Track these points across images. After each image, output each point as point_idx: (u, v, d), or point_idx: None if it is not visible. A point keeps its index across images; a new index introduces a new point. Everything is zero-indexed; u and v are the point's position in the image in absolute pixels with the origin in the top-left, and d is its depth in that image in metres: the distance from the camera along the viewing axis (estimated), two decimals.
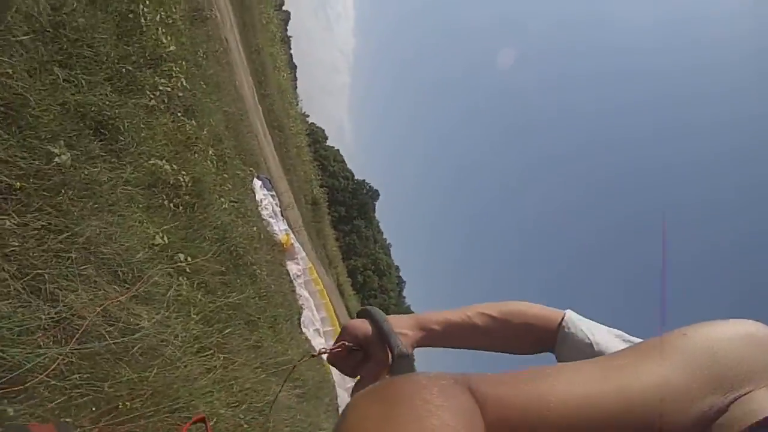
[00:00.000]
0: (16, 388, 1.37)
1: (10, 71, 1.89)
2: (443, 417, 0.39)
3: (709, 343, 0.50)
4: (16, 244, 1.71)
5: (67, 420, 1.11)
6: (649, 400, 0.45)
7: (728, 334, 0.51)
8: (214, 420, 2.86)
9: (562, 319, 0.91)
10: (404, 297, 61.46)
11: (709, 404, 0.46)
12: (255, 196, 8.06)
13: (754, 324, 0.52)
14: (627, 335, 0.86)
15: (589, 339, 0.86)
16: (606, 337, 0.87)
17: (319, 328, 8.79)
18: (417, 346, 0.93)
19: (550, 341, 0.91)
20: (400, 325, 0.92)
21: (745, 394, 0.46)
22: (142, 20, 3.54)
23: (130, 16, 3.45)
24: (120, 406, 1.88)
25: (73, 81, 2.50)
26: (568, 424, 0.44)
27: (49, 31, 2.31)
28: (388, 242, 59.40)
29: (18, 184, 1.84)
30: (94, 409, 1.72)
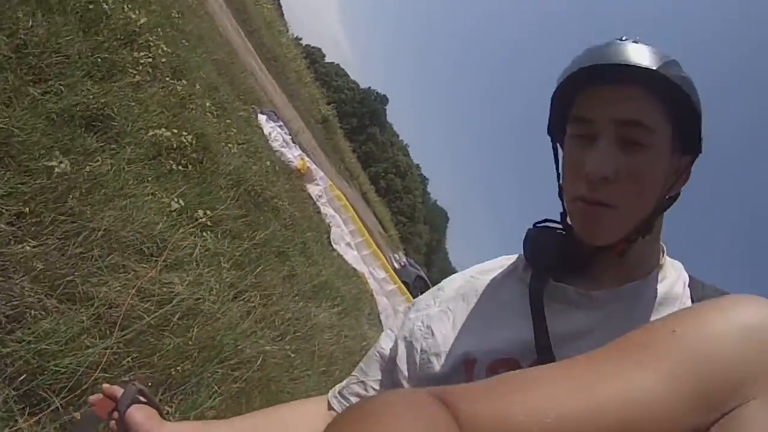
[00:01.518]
0: (77, 394, 1.66)
1: None
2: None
3: (698, 344, 0.43)
4: (41, 265, 1.91)
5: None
6: (626, 420, 0.39)
7: (720, 329, 0.44)
8: (261, 358, 3.16)
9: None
10: (429, 193, 62.41)
11: (692, 425, 0.40)
12: (263, 131, 8.12)
13: (753, 308, 0.45)
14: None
15: None
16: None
17: (349, 241, 9.15)
18: None
19: None
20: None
21: (729, 411, 0.40)
22: (104, 5, 3.49)
23: (91, 6, 3.40)
24: (173, 373, 2.17)
25: (52, 91, 2.58)
26: None
27: (11, 57, 2.37)
28: (404, 143, 59.46)
29: (27, 209, 2.01)
30: (150, 384, 2.00)
